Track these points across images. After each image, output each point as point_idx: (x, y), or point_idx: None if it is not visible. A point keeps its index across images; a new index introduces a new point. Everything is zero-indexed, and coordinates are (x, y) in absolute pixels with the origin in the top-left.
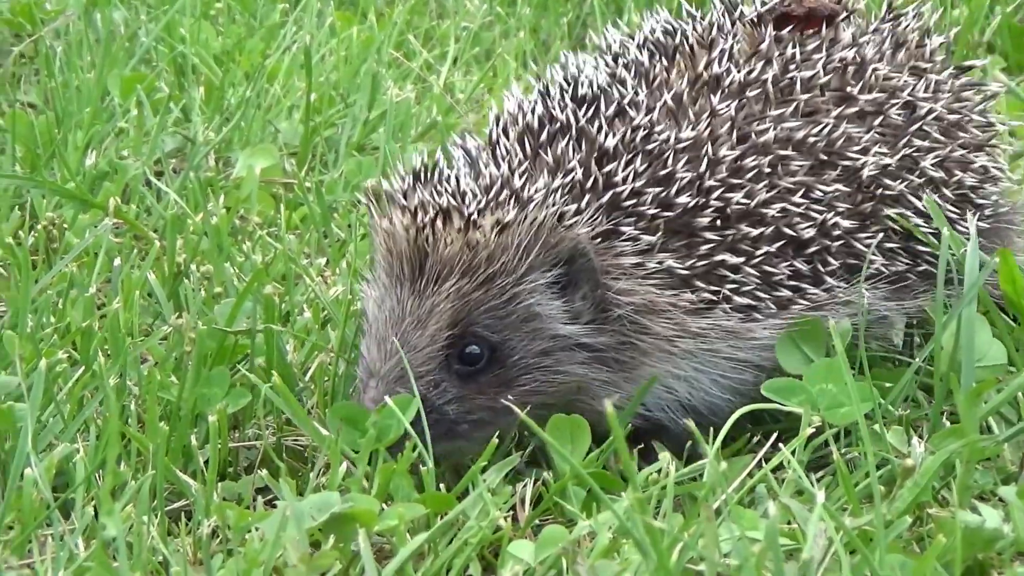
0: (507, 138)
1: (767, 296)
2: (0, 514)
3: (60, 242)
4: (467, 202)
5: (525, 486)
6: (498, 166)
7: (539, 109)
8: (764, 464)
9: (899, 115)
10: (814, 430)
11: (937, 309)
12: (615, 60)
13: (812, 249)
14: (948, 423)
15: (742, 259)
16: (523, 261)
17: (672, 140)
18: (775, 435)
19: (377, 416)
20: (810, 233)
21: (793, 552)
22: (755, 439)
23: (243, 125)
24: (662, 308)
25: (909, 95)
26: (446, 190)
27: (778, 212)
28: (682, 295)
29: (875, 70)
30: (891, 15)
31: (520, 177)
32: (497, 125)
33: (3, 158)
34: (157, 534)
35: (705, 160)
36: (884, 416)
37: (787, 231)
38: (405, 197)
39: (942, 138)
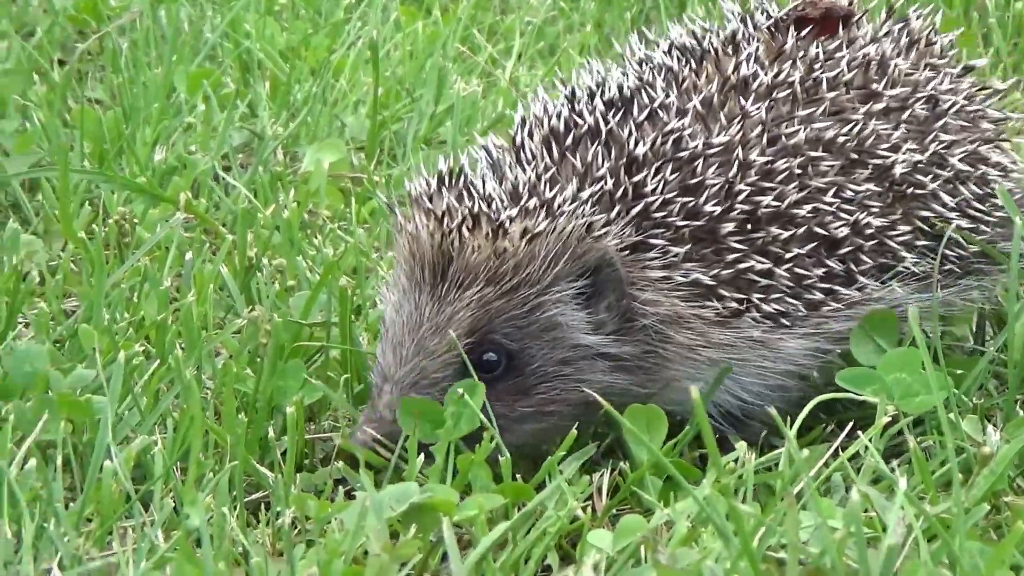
0: (532, 141)
1: (797, 300)
2: (80, 506)
3: (131, 236)
4: (494, 208)
5: (602, 476)
6: (524, 170)
7: (565, 112)
8: (840, 453)
9: (924, 109)
10: (889, 419)
11: (1010, 299)
12: (641, 65)
13: (845, 249)
14: (1022, 412)
15: (772, 263)
16: (550, 271)
17: (702, 146)
18: (849, 424)
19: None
20: (844, 232)
21: (870, 540)
22: (829, 428)
23: (310, 120)
24: (687, 319)
25: (932, 89)
26: (473, 195)
27: (809, 212)
28: (707, 305)
29: (896, 65)
30: (892, 15)
31: (548, 184)
32: (523, 128)
33: (72, 154)
34: (236, 525)
35: (736, 164)
36: (958, 405)
37: (819, 231)
38: (431, 201)
39: (964, 132)
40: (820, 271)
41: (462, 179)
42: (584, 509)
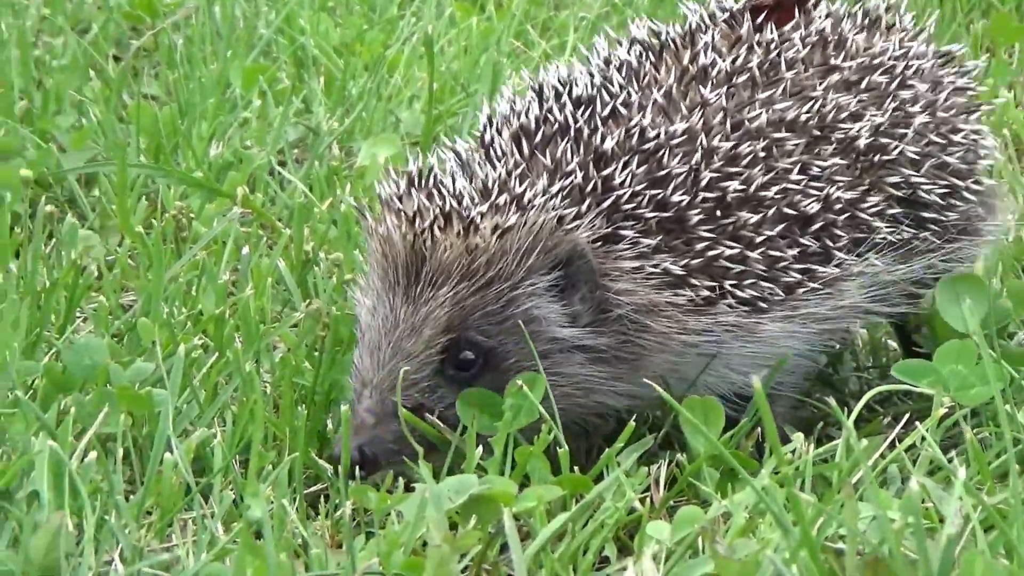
0: (501, 138)
1: (774, 284)
2: (140, 499)
3: (188, 231)
4: (465, 206)
5: (659, 468)
6: (494, 167)
7: (534, 110)
8: (897, 444)
9: (883, 79)
10: (946, 411)
11: None
12: (606, 64)
13: (818, 225)
14: None
15: (744, 247)
16: (522, 265)
17: (664, 136)
18: (906, 416)
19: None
20: (815, 208)
21: (927, 530)
22: (885, 420)
23: (365, 115)
24: (662, 308)
25: (890, 57)
26: (443, 194)
27: (777, 193)
28: (680, 294)
29: (854, 41)
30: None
31: (518, 180)
32: (490, 126)
33: (129, 150)
34: (296, 517)
35: (699, 152)
36: (1014, 397)
37: (789, 211)
38: (401, 201)
39: (928, 93)
40: (794, 251)
41: (432, 179)
42: (642, 501)
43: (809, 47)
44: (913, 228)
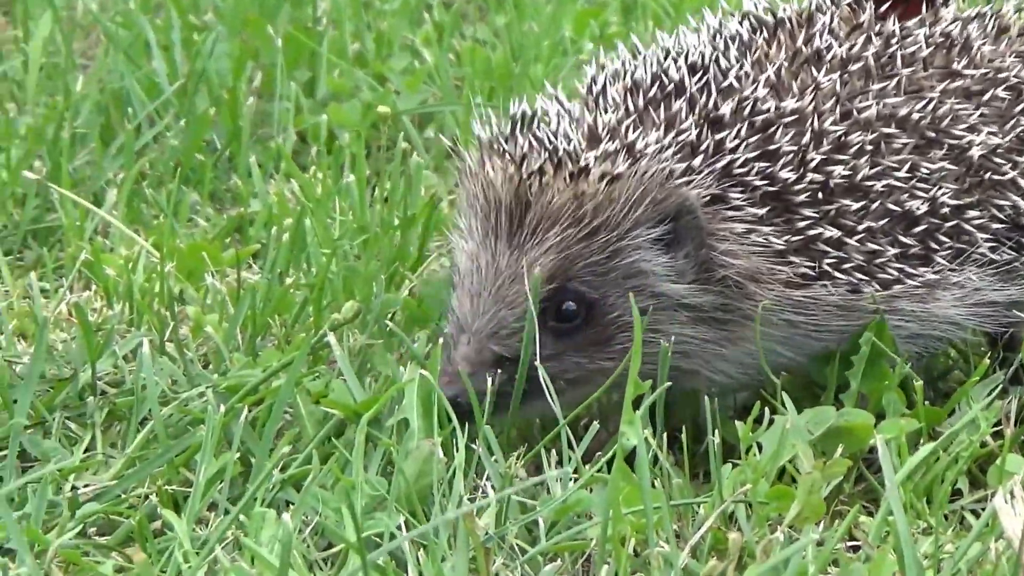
0: (613, 88)
1: (869, 277)
2: (506, 430)
3: None
4: (574, 151)
5: (1010, 402)
6: (603, 115)
7: (651, 67)
8: None
9: (1006, 96)
10: None
11: None
12: (716, 36)
13: (922, 227)
14: None
15: (843, 234)
16: (629, 215)
17: (775, 112)
18: None
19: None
20: (920, 209)
21: None
22: None
23: None
24: (765, 276)
25: (1015, 77)
26: (549, 138)
27: (883, 188)
28: (781, 267)
29: (980, 49)
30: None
31: (629, 129)
32: (597, 79)
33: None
34: (657, 449)
35: (808, 133)
36: None
37: (893, 207)
38: (505, 144)
39: None
40: (895, 249)
41: (535, 122)
42: (993, 435)
43: (932, 48)
44: (1014, 250)
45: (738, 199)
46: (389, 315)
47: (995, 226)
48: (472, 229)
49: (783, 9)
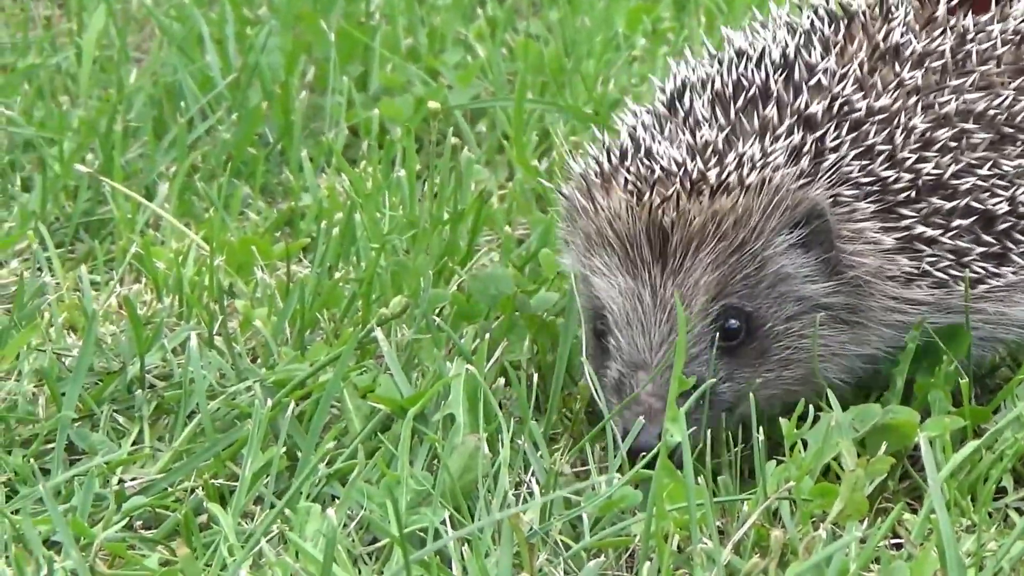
0: (699, 102)
1: (958, 274)
2: (546, 422)
3: None
4: (696, 170)
5: None
6: (697, 132)
7: (726, 75)
8: None
9: None
10: None
11: None
12: (789, 31)
13: (1001, 227)
14: None
15: (938, 232)
16: (767, 224)
17: (865, 110)
18: None
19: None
20: (1003, 208)
21: None
22: None
23: None
24: (886, 274)
25: None
26: (661, 161)
27: (968, 185)
28: (893, 265)
29: None
30: None
31: (734, 141)
32: (681, 92)
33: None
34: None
35: (899, 130)
36: None
37: (976, 205)
38: (617, 173)
39: None
40: (979, 249)
41: (637, 148)
42: None
43: (1007, 45)
44: None
45: (849, 198)
46: (437, 310)
47: None
48: (611, 266)
49: (853, 3)
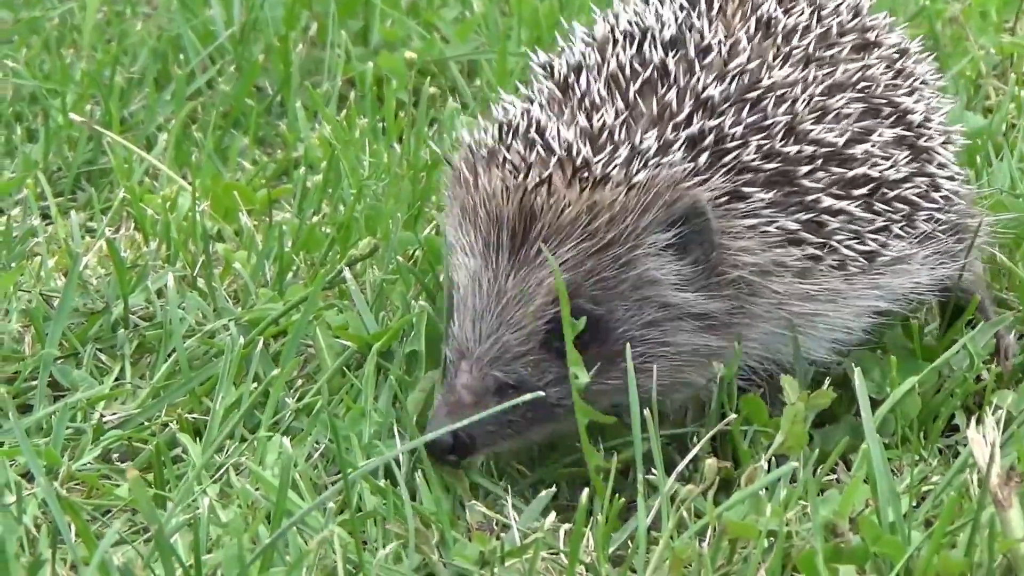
0: (597, 83)
1: (859, 249)
2: None
3: None
4: (581, 158)
5: (1005, 339)
6: (593, 116)
7: (622, 54)
8: None
9: (916, 65)
10: None
11: None
12: (680, 8)
13: (890, 195)
14: None
15: (842, 202)
16: (640, 223)
17: (764, 83)
18: None
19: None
20: (891, 175)
21: None
22: None
23: None
24: (777, 269)
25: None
26: (551, 145)
27: (861, 153)
28: (792, 253)
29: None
30: None
31: (627, 129)
32: (578, 71)
33: (509, 42)
34: None
35: (795, 101)
36: None
37: (872, 173)
38: (504, 153)
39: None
40: (876, 218)
41: (531, 128)
42: (988, 370)
43: (852, 21)
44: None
45: (748, 189)
46: (410, 252)
47: (933, 196)
48: (472, 246)
49: None
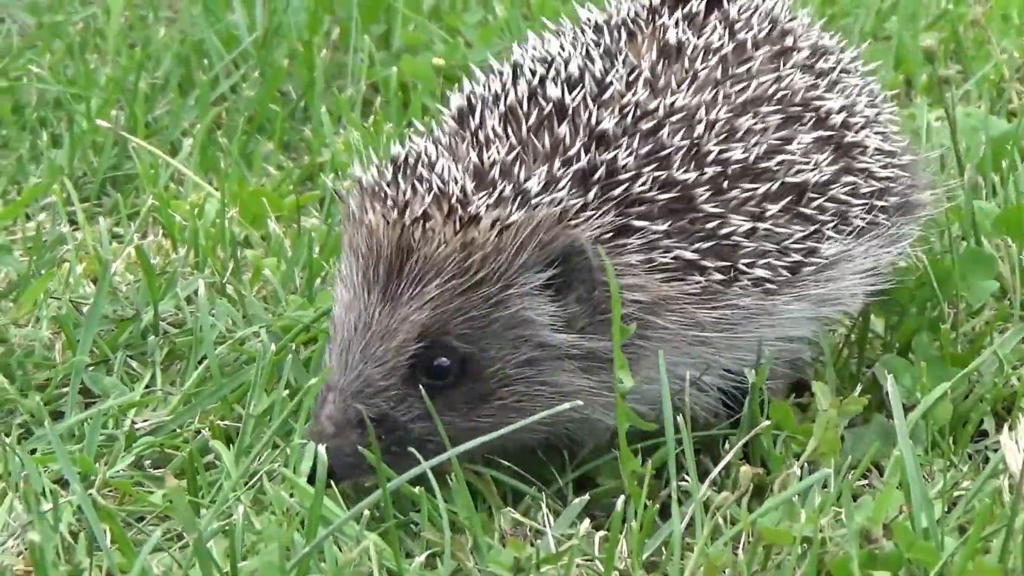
0: (489, 118)
1: (780, 263)
2: None
3: None
4: (463, 195)
5: None
6: (485, 152)
7: (521, 88)
8: None
9: (827, 64)
10: None
11: None
12: (575, 42)
13: (815, 201)
14: None
15: (753, 221)
16: (515, 262)
17: (662, 111)
18: None
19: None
20: (813, 178)
21: None
22: None
23: None
24: (672, 300)
25: (821, 44)
26: (433, 182)
27: (777, 165)
28: (692, 282)
29: (788, 23)
30: None
31: (516, 167)
32: (476, 106)
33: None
34: None
35: (699, 125)
36: None
37: (791, 180)
38: (387, 189)
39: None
40: (797, 228)
41: (420, 163)
42: (1019, 379)
43: (764, 31)
44: (883, 213)
45: (639, 223)
46: None
47: (864, 190)
48: (350, 278)
49: (627, 10)
